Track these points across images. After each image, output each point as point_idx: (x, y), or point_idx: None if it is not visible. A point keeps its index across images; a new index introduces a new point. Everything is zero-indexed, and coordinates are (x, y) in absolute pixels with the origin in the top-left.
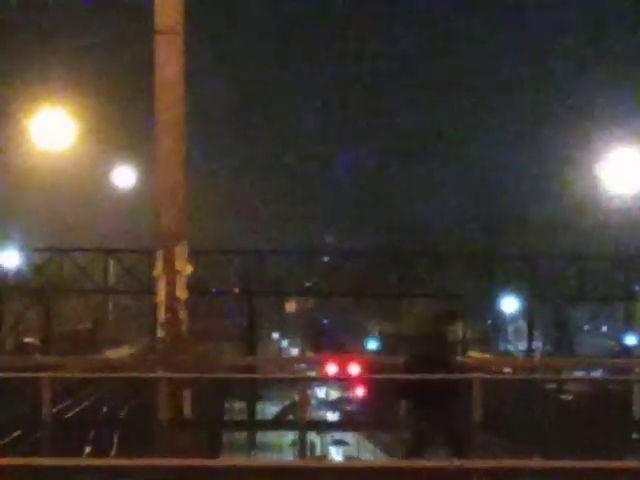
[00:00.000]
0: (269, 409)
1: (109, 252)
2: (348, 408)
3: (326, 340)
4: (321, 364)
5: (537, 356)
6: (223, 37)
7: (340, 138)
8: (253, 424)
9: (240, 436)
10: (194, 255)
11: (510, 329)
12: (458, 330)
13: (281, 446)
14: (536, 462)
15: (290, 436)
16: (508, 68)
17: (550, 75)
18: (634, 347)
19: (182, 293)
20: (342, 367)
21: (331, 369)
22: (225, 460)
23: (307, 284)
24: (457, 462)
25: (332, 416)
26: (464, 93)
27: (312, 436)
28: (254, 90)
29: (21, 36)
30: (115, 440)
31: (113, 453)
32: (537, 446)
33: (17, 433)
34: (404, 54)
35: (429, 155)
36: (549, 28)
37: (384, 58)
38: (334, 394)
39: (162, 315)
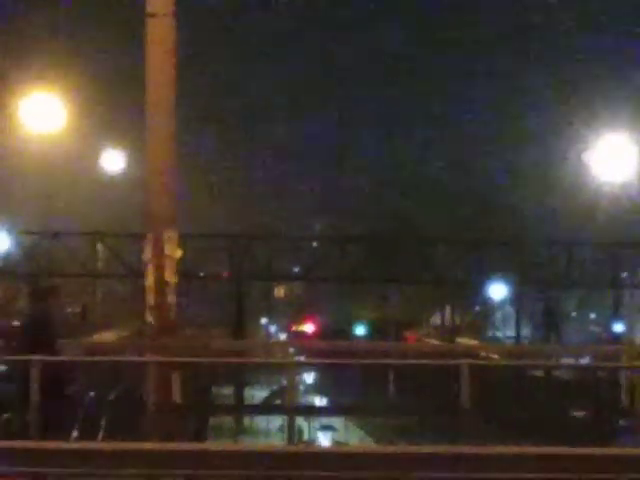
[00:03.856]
0: (257, 394)
1: (98, 236)
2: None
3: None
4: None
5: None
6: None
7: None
8: (241, 409)
9: (228, 421)
10: (183, 239)
11: (498, 316)
12: None
13: (268, 431)
14: (525, 448)
15: (278, 421)
16: (500, 55)
17: (541, 62)
18: (622, 334)
19: (171, 277)
20: (300, 324)
21: (293, 327)
22: (213, 444)
23: (296, 269)
24: (445, 447)
25: (320, 401)
26: (458, 80)
27: (300, 421)
28: (243, 71)
29: (13, 20)
30: (103, 424)
31: (100, 437)
32: (525, 432)
33: (6, 416)
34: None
35: (419, 142)
36: (540, 14)
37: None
38: None
39: (151, 299)
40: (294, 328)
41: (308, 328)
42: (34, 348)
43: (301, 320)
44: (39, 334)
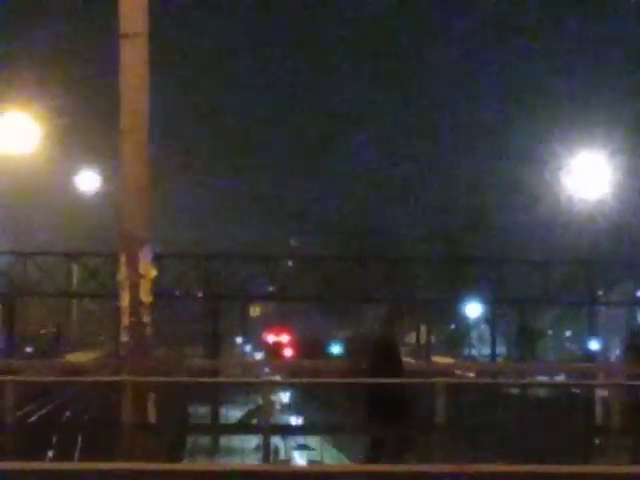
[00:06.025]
0: (233, 413)
1: (73, 256)
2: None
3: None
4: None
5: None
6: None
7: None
8: (217, 428)
9: (203, 440)
10: (158, 259)
11: (474, 334)
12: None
13: (244, 451)
14: (501, 466)
15: (254, 440)
16: (472, 74)
17: (514, 79)
18: (597, 352)
19: (146, 297)
20: (277, 335)
21: (270, 338)
22: (189, 464)
23: (270, 288)
24: (423, 466)
25: (296, 420)
26: (429, 103)
27: (276, 440)
28: (221, 91)
29: None
30: (78, 444)
31: (76, 457)
32: (501, 451)
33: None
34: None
35: (393, 160)
36: (515, 28)
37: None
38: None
39: (126, 319)
40: (270, 338)
41: (284, 338)
42: (383, 370)
43: (277, 331)
44: (387, 356)
